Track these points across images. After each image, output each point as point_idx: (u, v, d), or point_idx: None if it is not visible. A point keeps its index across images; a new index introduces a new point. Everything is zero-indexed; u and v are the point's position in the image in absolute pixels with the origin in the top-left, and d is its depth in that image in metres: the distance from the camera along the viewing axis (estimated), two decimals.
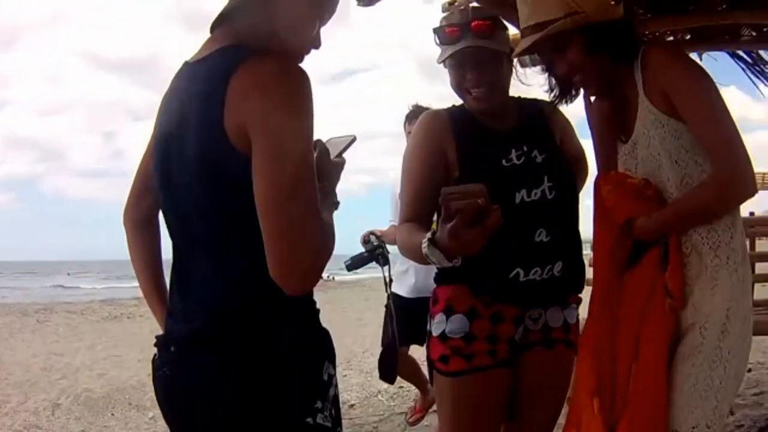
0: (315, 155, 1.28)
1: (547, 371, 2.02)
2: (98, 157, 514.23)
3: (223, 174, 1.19)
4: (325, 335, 1.35)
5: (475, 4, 2.00)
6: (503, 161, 1.91)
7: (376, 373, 3.22)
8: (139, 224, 1.57)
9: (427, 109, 2.76)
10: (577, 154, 2.18)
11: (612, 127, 1.96)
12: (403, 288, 3.77)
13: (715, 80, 1.76)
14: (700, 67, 1.84)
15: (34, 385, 7.13)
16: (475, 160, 1.92)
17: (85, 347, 9.68)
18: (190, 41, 1.70)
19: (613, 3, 1.83)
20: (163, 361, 1.34)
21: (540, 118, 2.07)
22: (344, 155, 1.47)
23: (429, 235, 1.34)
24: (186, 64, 1.34)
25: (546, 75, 1.93)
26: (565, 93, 1.95)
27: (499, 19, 1.96)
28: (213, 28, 1.35)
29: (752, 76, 3.77)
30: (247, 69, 1.17)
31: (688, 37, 3.66)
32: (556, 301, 1.98)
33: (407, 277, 3.77)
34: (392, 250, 3.15)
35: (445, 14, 1.95)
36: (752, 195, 1.68)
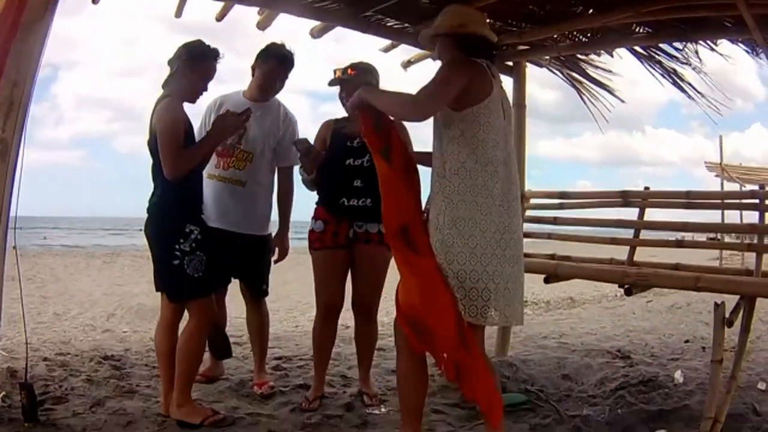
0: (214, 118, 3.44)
1: (367, 254, 3.53)
2: None
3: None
4: (191, 213, 3.14)
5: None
6: (347, 143, 3.51)
7: None
8: None
9: None
10: None
11: None
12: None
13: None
14: (453, 64, 2.58)
15: (94, 303, 8.08)
16: (336, 141, 3.57)
17: (147, 281, 10.47)
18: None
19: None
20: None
21: None
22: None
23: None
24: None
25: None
26: None
27: (362, 68, 3.51)
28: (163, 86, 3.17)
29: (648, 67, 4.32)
30: (161, 104, 3.06)
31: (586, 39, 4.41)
32: (372, 219, 3.40)
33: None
34: None
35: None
36: (411, 120, 2.64)
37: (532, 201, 4.55)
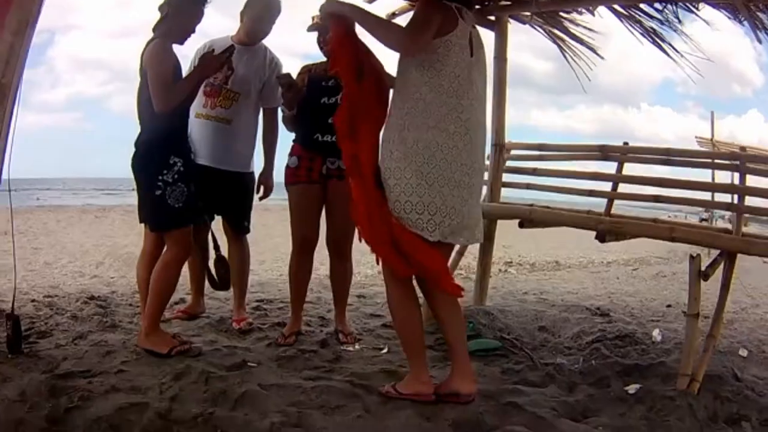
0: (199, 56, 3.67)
1: (339, 191, 3.50)
2: None
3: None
4: (175, 146, 3.29)
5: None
6: (322, 83, 3.67)
7: None
8: None
9: None
10: None
11: None
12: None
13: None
14: (426, 4, 2.67)
15: (85, 254, 8.14)
16: (312, 82, 3.72)
17: (136, 234, 10.55)
18: None
19: None
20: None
21: None
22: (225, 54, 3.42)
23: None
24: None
25: None
26: None
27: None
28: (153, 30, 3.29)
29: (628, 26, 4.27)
30: (151, 44, 3.20)
31: None
32: None
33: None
34: None
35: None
36: (400, 50, 2.67)
37: (513, 152, 4.62)
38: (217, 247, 3.93)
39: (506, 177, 4.55)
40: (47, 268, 6.79)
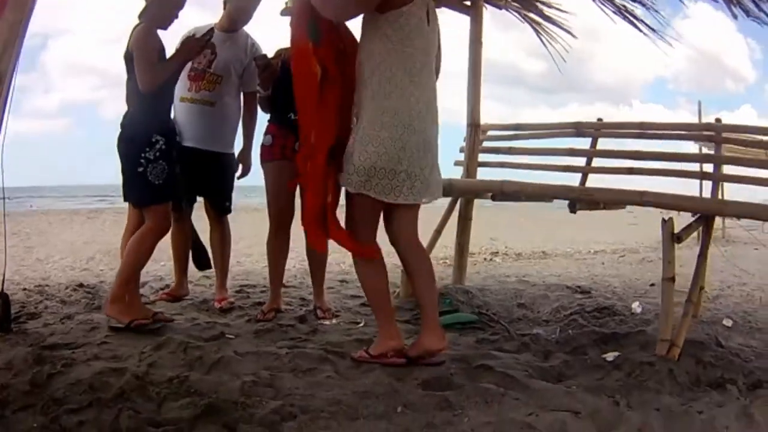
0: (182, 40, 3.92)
1: None
2: None
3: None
4: (158, 125, 3.41)
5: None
6: None
7: None
8: None
9: None
10: None
11: None
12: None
13: None
14: None
15: (76, 251, 8.20)
16: (286, 65, 3.59)
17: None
18: None
19: None
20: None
21: None
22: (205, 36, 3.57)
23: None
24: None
25: None
26: None
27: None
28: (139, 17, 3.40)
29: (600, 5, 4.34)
30: (137, 29, 3.33)
31: None
32: None
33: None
34: None
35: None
36: (330, 17, 2.85)
37: (489, 133, 4.70)
38: (192, 230, 4.03)
39: (482, 157, 4.64)
40: (39, 263, 6.86)
